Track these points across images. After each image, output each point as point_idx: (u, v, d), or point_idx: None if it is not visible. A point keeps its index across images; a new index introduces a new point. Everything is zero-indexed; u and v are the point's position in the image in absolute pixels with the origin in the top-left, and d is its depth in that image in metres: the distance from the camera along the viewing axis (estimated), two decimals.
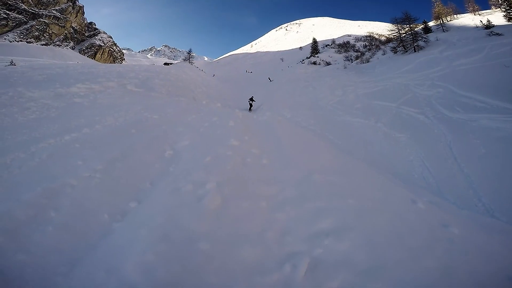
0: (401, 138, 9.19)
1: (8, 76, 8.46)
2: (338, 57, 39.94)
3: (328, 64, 34.94)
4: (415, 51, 21.07)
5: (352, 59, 33.71)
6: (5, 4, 68.77)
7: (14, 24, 68.66)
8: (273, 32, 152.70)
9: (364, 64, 24.86)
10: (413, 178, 6.66)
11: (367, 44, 49.74)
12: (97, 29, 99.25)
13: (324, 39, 76.08)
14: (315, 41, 54.69)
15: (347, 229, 2.00)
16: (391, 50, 25.42)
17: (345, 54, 41.38)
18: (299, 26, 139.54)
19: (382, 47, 33.80)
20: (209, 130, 4.25)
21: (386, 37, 39.62)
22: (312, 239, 1.92)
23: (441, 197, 4.87)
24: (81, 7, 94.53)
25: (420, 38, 22.64)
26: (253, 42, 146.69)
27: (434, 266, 1.75)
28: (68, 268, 1.76)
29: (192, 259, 1.67)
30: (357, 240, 1.90)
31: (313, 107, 12.65)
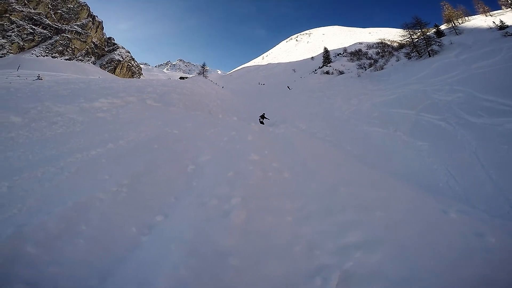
0: (423, 146, 8.87)
1: (36, 90, 8.97)
2: (351, 66, 39.72)
3: (341, 73, 34.79)
4: (429, 56, 20.69)
5: (365, 67, 33.42)
6: (31, 19, 73.77)
7: (40, 39, 73.33)
8: (283, 43, 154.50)
9: (378, 72, 24.58)
10: (438, 188, 6.39)
11: (379, 51, 49.18)
12: (116, 44, 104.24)
13: (336, 48, 76.07)
14: (326, 51, 54.86)
15: (377, 241, 1.95)
16: (405, 56, 25.07)
17: (357, 62, 41.06)
18: (309, 36, 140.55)
19: (395, 53, 33.40)
20: (228, 144, 4.32)
21: (398, 43, 39.16)
22: (341, 252, 1.89)
23: (470, 206, 4.65)
24: (100, 23, 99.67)
25: (434, 42, 22.28)
26: (264, 54, 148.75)
27: (472, 277, 1.67)
28: (99, 281, 1.79)
29: (223, 274, 1.67)
30: (389, 252, 1.86)
31: (328, 118, 12.53)
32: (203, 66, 52.38)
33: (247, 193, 2.47)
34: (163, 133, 5.38)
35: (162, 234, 2.21)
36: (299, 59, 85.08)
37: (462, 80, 12.55)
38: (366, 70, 30.95)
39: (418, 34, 25.01)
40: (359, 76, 25.14)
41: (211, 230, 2.03)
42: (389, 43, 59.69)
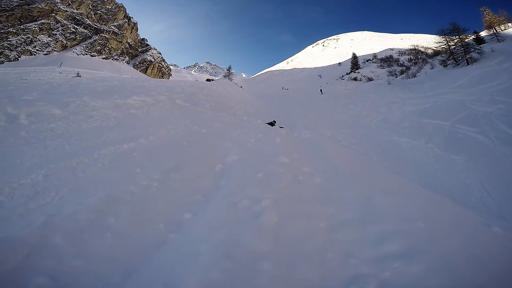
0: (457, 160, 8.31)
1: (75, 86, 9.55)
2: (380, 72, 38.46)
3: (370, 79, 33.79)
4: (468, 64, 19.48)
5: (396, 74, 32.19)
6: (73, 19, 79.55)
7: (81, 38, 78.93)
8: (309, 48, 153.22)
9: (410, 79, 23.54)
10: (471, 203, 6.02)
11: (412, 57, 47.23)
12: (149, 45, 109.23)
13: (365, 54, 74.03)
14: (355, 56, 53.62)
15: (418, 251, 1.82)
16: (440, 64, 23.75)
17: (388, 69, 39.60)
18: (336, 41, 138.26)
19: (430, 60, 31.87)
20: (256, 146, 4.30)
21: (433, 49, 37.35)
22: (378, 262, 1.77)
23: (507, 222, 4.30)
24: (135, 24, 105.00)
25: (473, 49, 20.91)
26: (289, 59, 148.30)
27: None
28: (123, 278, 1.76)
29: (256, 279, 1.59)
30: (430, 263, 1.72)
31: (354, 126, 12.13)
32: (229, 69, 53.31)
33: (278, 196, 2.40)
34: (192, 132, 5.46)
35: (191, 232, 2.17)
36: (326, 65, 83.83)
37: (504, 90, 11.66)
38: (397, 77, 29.80)
39: (456, 40, 23.56)
40: (389, 83, 24.23)
41: (243, 232, 1.97)
42: (423, 49, 57.08)
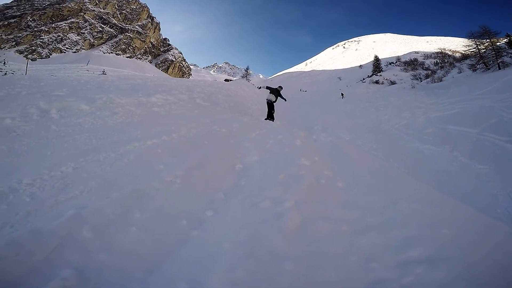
0: (483, 170, 7.86)
1: (102, 83, 9.95)
2: (404, 76, 37.31)
3: (392, 83, 32.89)
4: (499, 69, 18.52)
5: (421, 78, 31.11)
6: (100, 18, 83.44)
7: (107, 37, 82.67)
8: (329, 50, 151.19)
9: (436, 84, 22.66)
10: (495, 213, 5.68)
11: (438, 61, 45.43)
12: (170, 45, 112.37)
13: (387, 56, 72.07)
14: (377, 59, 52.42)
15: (442, 258, 1.78)
16: (469, 68, 22.73)
17: (412, 72, 38.34)
18: (358, 43, 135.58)
19: (457, 64, 30.52)
20: (275, 147, 4.30)
21: (461, 53, 35.73)
22: (401, 267, 1.74)
23: None
24: (158, 24, 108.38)
25: (505, 53, 19.91)
26: (308, 61, 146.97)
27: None
28: (146, 274, 1.78)
29: (279, 279, 1.60)
30: (454, 270, 1.68)
31: (375, 130, 11.81)
32: (247, 69, 53.69)
33: (300, 198, 2.40)
34: (212, 131, 5.55)
35: (213, 230, 2.20)
36: (346, 67, 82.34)
37: None
38: (421, 81, 28.78)
39: (486, 44, 22.48)
40: (413, 87, 23.46)
41: (266, 233, 1.97)
42: (450, 53, 54.78)
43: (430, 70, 38.10)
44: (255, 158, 3.89)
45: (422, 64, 47.34)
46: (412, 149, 9.72)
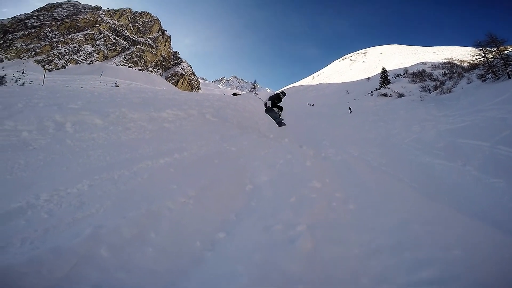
0: (498, 183, 7.59)
1: (114, 96, 10.20)
2: (412, 88, 37.09)
3: (401, 95, 32.72)
4: (509, 78, 18.20)
5: (429, 90, 30.88)
6: (114, 30, 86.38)
7: (120, 49, 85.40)
8: (336, 63, 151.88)
9: (445, 95, 22.40)
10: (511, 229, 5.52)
11: (446, 72, 45.05)
12: (180, 58, 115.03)
13: (395, 68, 71.93)
14: (384, 71, 52.32)
15: (453, 278, 1.79)
16: (478, 78, 22.24)
17: (420, 84, 38.09)
18: (364, 55, 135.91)
19: (466, 74, 30.20)
20: (285, 167, 4.33)
21: (469, 63, 35.29)
22: (411, 287, 1.76)
23: None
24: (169, 37, 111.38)
25: None
26: (315, 74, 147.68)
27: None
28: None
29: None
30: None
31: (384, 145, 11.67)
32: (254, 83, 54.16)
33: (312, 221, 2.42)
34: (222, 149, 5.65)
35: (226, 252, 2.22)
36: (353, 80, 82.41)
37: None
38: (430, 93, 28.54)
39: (494, 52, 22.00)
40: (422, 99, 23.25)
41: (279, 256, 2.00)
42: (458, 63, 54.27)
43: (438, 81, 37.75)
44: (265, 179, 3.92)
45: (430, 75, 46.98)
46: (422, 164, 9.54)
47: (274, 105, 11.23)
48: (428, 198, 3.89)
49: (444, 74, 42.71)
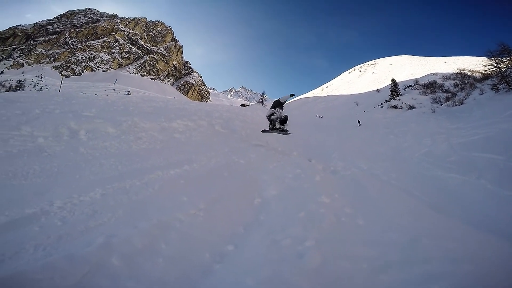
0: None
1: (127, 105, 10.45)
2: (423, 99, 36.63)
3: (411, 107, 32.33)
4: None
5: (441, 101, 30.44)
6: (129, 39, 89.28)
7: (134, 57, 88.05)
8: (345, 74, 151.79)
9: (457, 107, 22.02)
10: None
11: (458, 82, 44.36)
12: (191, 68, 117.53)
13: (405, 79, 71.34)
14: (394, 82, 51.94)
15: None
16: (491, 88, 21.77)
17: (431, 95, 37.58)
18: (374, 66, 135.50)
19: (478, 85, 29.61)
20: (294, 182, 4.35)
21: (481, 73, 34.66)
22: None
23: None
24: (181, 47, 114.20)
25: None
26: (324, 86, 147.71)
27: None
28: None
29: None
30: None
31: (394, 159, 11.51)
32: (262, 94, 54.46)
33: (321, 236, 2.43)
34: (231, 161, 5.71)
35: (235, 265, 2.24)
36: (363, 91, 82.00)
37: None
38: (442, 104, 28.12)
39: (507, 62, 21.55)
40: (433, 111, 22.91)
41: (288, 271, 2.00)
42: (469, 73, 53.39)
43: (450, 92, 37.16)
44: (273, 193, 3.94)
45: (441, 86, 46.33)
46: (434, 178, 9.34)
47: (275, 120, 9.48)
48: (439, 212, 3.83)
49: (456, 85, 42.05)
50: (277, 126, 9.56)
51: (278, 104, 9.75)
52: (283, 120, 9.63)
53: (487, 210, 7.00)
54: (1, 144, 5.11)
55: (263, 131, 9.87)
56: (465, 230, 2.84)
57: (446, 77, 55.29)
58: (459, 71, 58.90)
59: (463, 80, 46.26)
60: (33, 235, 2.40)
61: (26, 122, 6.42)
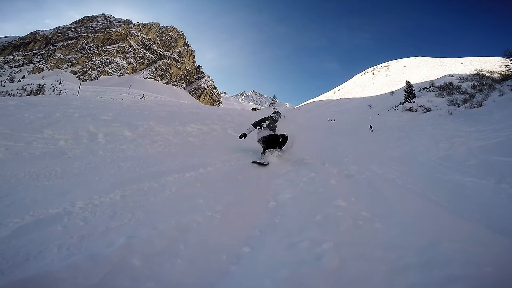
0: None
1: (142, 109, 10.73)
2: (439, 102, 35.68)
3: (427, 110, 31.51)
4: None
5: (458, 103, 29.49)
6: (143, 44, 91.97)
7: (148, 62, 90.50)
8: (358, 77, 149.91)
9: (475, 109, 21.26)
10: None
11: (476, 84, 42.88)
12: (203, 72, 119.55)
13: (420, 81, 69.73)
14: (409, 84, 50.90)
15: None
16: (511, 90, 21.16)
17: (448, 97, 36.47)
18: (387, 68, 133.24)
19: (498, 86, 28.50)
20: (309, 186, 4.35)
21: (500, 74, 33.46)
22: None
23: None
24: (193, 51, 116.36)
25: None
26: (336, 88, 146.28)
27: None
28: None
29: None
30: None
31: (410, 163, 11.18)
32: (273, 98, 54.48)
33: (339, 239, 2.41)
34: (244, 165, 5.79)
35: (252, 267, 2.25)
36: (376, 94, 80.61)
37: None
38: (459, 107, 27.23)
39: None
40: (450, 114, 22.17)
41: (306, 272, 2.01)
42: (488, 74, 51.65)
43: (467, 94, 35.91)
44: (287, 196, 3.96)
45: (458, 87, 44.91)
46: (452, 182, 9.03)
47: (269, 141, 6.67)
48: (458, 217, 3.74)
49: (474, 87, 40.59)
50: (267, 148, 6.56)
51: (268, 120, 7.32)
52: (274, 140, 6.66)
53: (508, 214, 6.73)
54: (25, 146, 5.34)
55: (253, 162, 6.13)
56: (486, 233, 2.78)
57: (463, 78, 53.58)
58: (476, 72, 56.94)
59: (482, 81, 44.71)
60: (57, 235, 2.48)
61: (47, 125, 6.68)
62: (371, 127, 26.32)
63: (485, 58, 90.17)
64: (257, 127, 7.24)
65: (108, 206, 3.17)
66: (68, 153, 5.47)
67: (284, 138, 6.93)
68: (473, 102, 24.88)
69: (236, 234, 2.81)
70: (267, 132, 6.86)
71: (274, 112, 7.93)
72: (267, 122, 7.17)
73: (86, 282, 1.88)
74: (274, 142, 6.73)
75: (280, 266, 2.12)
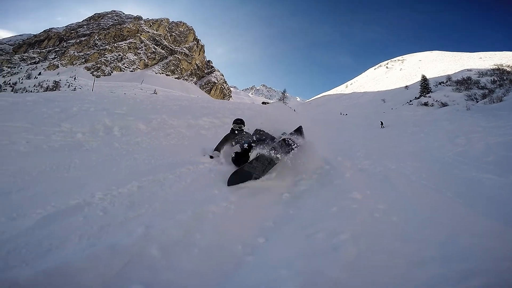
0: None
1: (154, 103, 10.88)
2: (456, 97, 34.53)
3: (444, 105, 30.62)
4: None
5: (476, 99, 28.52)
6: (154, 39, 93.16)
7: (159, 58, 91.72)
8: (371, 70, 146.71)
9: (495, 104, 20.58)
10: None
11: (496, 79, 41.33)
12: (213, 67, 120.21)
13: (436, 75, 67.59)
14: (424, 79, 49.43)
15: (503, 286, 1.72)
16: None
17: (466, 92, 35.29)
18: (402, 62, 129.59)
19: None
20: (324, 178, 4.28)
21: None
22: None
23: None
24: (203, 46, 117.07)
25: None
26: (348, 82, 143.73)
27: None
28: None
29: None
30: None
31: (425, 158, 10.94)
32: (284, 92, 54.13)
33: (355, 231, 2.38)
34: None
35: (267, 257, 2.27)
36: (390, 88, 78.71)
37: None
38: (477, 102, 26.34)
39: None
40: (468, 109, 21.49)
41: (323, 263, 2.00)
42: (509, 69, 49.63)
43: (487, 89, 34.66)
44: (302, 188, 3.96)
45: (477, 82, 43.33)
46: (468, 179, 8.80)
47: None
48: (476, 213, 3.65)
49: (493, 82, 39.10)
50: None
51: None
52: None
53: None
54: (45, 139, 5.51)
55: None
56: (504, 228, 2.71)
57: (482, 73, 51.67)
58: (496, 66, 54.71)
59: (502, 76, 43.06)
60: (78, 225, 2.55)
61: (65, 119, 6.88)
62: (381, 123, 25.66)
63: (505, 53, 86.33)
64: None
65: (126, 197, 3.24)
66: (86, 146, 5.61)
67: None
68: (492, 97, 23.98)
69: (251, 225, 2.84)
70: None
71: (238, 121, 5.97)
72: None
73: (106, 272, 1.93)
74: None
75: (295, 257, 2.12)
